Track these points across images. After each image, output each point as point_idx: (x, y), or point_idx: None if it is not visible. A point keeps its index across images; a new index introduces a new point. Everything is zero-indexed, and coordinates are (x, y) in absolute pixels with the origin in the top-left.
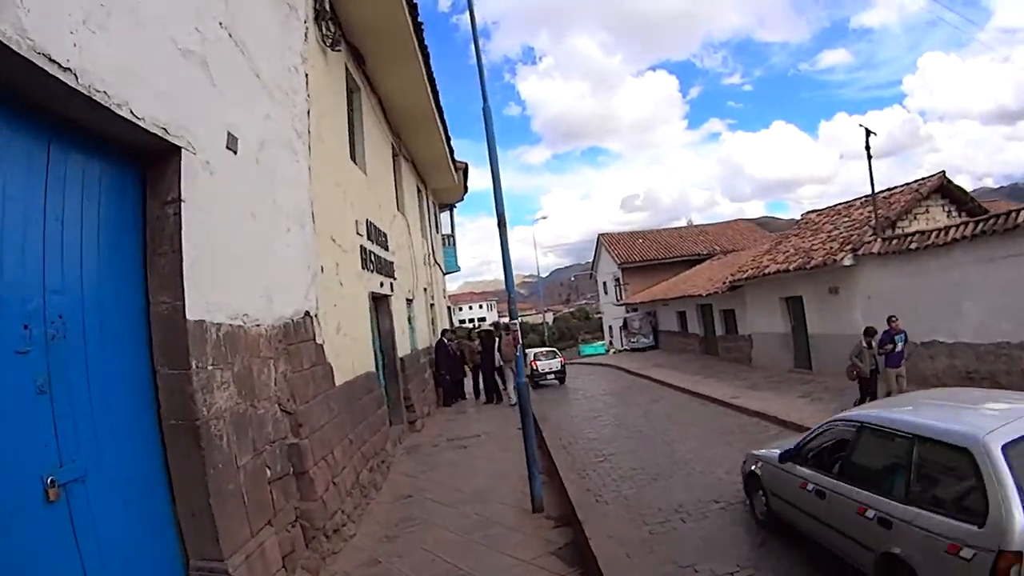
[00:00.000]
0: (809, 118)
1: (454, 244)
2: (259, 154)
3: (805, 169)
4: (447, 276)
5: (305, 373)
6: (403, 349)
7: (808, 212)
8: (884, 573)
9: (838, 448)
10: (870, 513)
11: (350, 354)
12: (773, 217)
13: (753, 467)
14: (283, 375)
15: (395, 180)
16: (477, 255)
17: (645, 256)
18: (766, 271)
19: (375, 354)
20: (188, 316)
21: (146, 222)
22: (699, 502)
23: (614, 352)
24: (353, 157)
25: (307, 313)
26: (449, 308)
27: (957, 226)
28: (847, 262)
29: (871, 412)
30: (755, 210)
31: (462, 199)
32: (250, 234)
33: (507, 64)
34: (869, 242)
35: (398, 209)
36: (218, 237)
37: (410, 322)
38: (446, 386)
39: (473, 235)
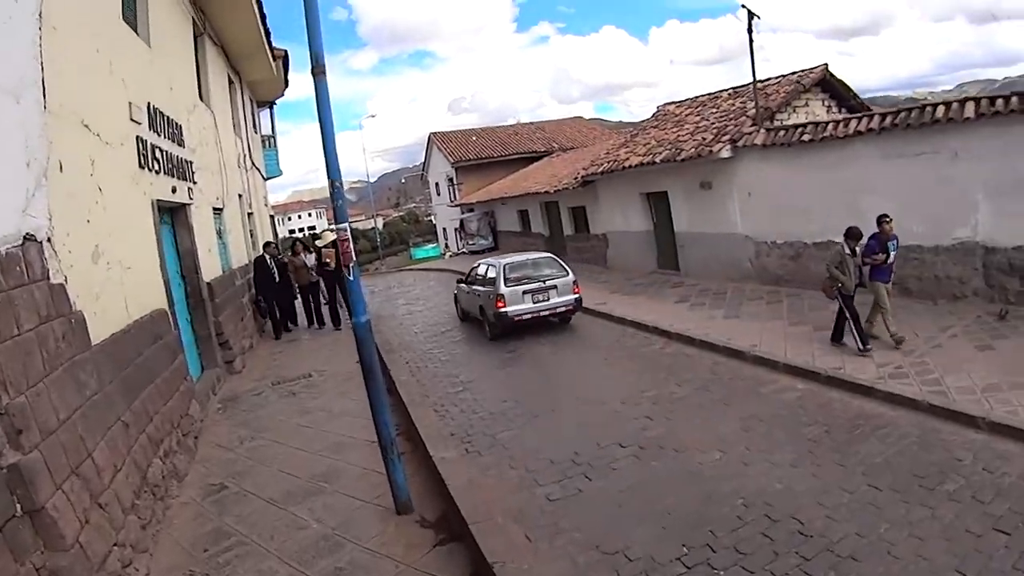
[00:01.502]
0: (640, 24)
1: (276, 146)
2: None
3: (633, 74)
4: (269, 182)
5: (24, 339)
6: (211, 271)
7: (666, 104)
8: (480, 313)
9: (474, 273)
10: (456, 295)
11: (120, 290)
12: (601, 119)
13: (455, 291)
14: None
15: (197, 62)
16: (305, 163)
17: (480, 154)
18: (626, 164)
19: (168, 283)
20: None
21: None
22: (599, 447)
23: (450, 256)
24: (133, 22)
25: (28, 237)
26: (272, 218)
27: (860, 118)
28: (724, 154)
29: (484, 260)
30: (583, 112)
31: (282, 94)
32: None
33: None
34: (750, 133)
35: (201, 98)
36: None
37: (220, 236)
38: (267, 313)
39: (300, 143)
